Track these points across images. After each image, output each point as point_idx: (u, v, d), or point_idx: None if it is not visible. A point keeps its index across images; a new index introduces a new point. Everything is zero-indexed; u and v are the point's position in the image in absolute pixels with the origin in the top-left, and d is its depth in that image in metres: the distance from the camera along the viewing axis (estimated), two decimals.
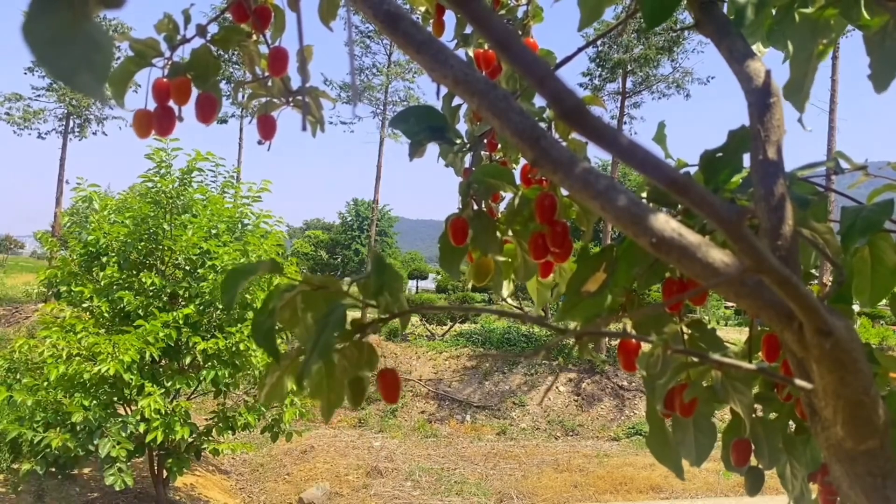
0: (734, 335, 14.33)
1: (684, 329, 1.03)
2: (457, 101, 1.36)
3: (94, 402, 5.84)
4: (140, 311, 6.32)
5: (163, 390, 6.07)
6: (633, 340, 1.01)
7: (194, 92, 1.06)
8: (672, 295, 1.01)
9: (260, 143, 1.17)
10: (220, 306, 6.50)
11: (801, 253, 0.86)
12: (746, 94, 0.88)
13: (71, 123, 25.76)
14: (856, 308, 1.05)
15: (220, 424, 6.73)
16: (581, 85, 18.25)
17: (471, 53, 1.41)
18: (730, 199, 0.95)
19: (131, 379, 5.73)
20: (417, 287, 35.19)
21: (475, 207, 1.13)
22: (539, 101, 1.28)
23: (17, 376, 6.24)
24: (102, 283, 6.45)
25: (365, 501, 8.67)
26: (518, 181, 1.17)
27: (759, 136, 0.84)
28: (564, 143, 1.08)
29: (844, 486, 0.73)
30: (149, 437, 5.83)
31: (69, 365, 5.66)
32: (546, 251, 1.10)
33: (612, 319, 0.97)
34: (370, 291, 0.80)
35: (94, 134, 26.78)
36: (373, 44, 23.83)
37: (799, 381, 0.73)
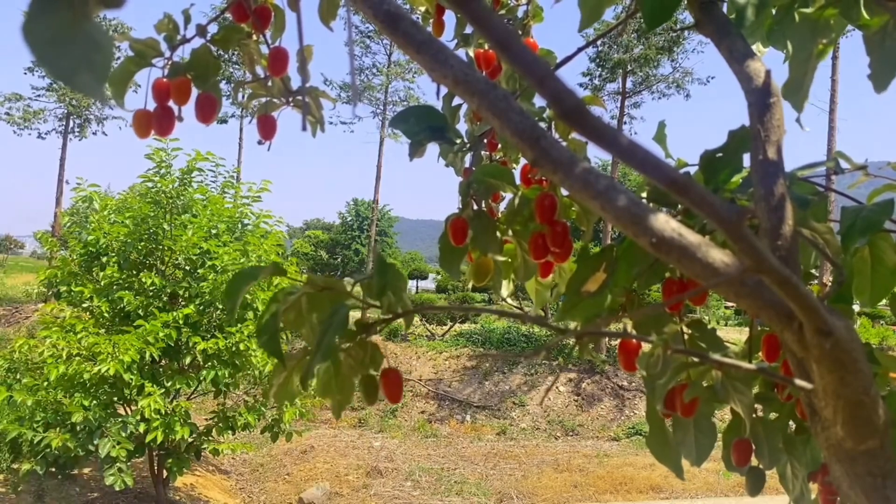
0: (734, 335, 14.32)
1: (684, 329, 1.03)
2: (457, 101, 1.36)
3: (94, 402, 5.84)
4: (140, 311, 6.32)
5: (163, 390, 6.07)
6: (634, 340, 1.01)
7: (194, 92, 1.06)
8: (672, 295, 1.01)
9: (260, 143, 1.17)
10: (220, 306, 6.50)
11: (801, 253, 0.86)
12: (746, 94, 0.88)
13: (71, 123, 25.78)
14: (856, 308, 1.05)
15: (220, 424, 6.73)
16: (581, 85, 18.26)
17: (471, 53, 1.41)
18: (730, 199, 0.95)
19: (131, 379, 5.73)
20: (417, 287, 35.20)
21: (475, 207, 1.13)
22: (539, 101, 1.28)
23: (17, 376, 6.24)
24: (102, 283, 6.45)
25: (365, 501, 8.67)
26: (518, 181, 1.17)
27: (759, 136, 0.84)
28: (564, 143, 1.08)
29: (844, 486, 0.73)
30: (149, 437, 5.83)
31: (69, 365, 5.66)
32: (546, 251, 1.10)
33: (612, 319, 0.97)
34: (373, 292, 0.80)
35: (94, 134, 26.82)
36: (373, 44, 23.84)
37: (799, 381, 0.73)
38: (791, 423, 1.05)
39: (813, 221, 0.89)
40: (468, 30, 1.42)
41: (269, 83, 1.15)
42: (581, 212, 1.14)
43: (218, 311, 6.62)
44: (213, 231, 6.90)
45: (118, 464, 5.77)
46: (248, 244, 6.85)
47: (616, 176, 17.78)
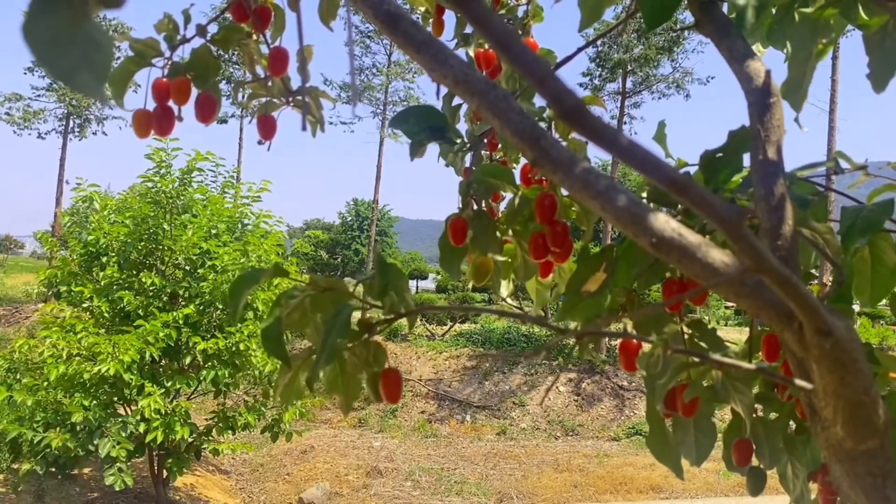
0: (734, 335, 14.29)
1: (684, 329, 1.03)
2: (457, 100, 1.36)
3: (94, 402, 5.84)
4: (140, 311, 6.32)
5: (163, 390, 6.07)
6: (634, 340, 1.01)
7: (194, 92, 1.06)
8: (672, 295, 1.01)
9: (260, 143, 1.17)
10: (220, 306, 6.50)
11: (801, 253, 0.86)
12: (746, 94, 0.88)
13: (71, 123, 25.78)
14: (856, 308, 1.05)
15: (220, 424, 6.73)
16: (581, 85, 18.25)
17: (471, 53, 1.41)
18: (730, 199, 0.95)
19: (131, 379, 5.73)
20: (417, 287, 35.18)
21: (475, 207, 1.13)
22: (539, 101, 1.28)
23: (17, 376, 6.24)
24: (102, 283, 6.45)
25: (365, 501, 8.67)
26: (518, 181, 1.17)
27: (759, 136, 0.84)
28: (564, 143, 1.08)
29: (844, 486, 0.73)
30: (149, 437, 5.83)
31: (69, 365, 5.66)
32: (546, 251, 1.10)
33: (612, 319, 0.97)
34: (375, 292, 0.81)
35: (94, 134, 26.82)
36: (373, 44, 23.83)
37: (799, 381, 0.73)
38: (791, 423, 1.05)
39: (813, 221, 0.89)
40: (468, 30, 1.42)
41: (269, 83, 1.15)
42: (581, 212, 1.14)
43: (218, 311, 6.62)
44: (213, 231, 6.91)
45: (118, 464, 5.77)
46: (248, 244, 6.85)
47: (616, 176, 17.78)
